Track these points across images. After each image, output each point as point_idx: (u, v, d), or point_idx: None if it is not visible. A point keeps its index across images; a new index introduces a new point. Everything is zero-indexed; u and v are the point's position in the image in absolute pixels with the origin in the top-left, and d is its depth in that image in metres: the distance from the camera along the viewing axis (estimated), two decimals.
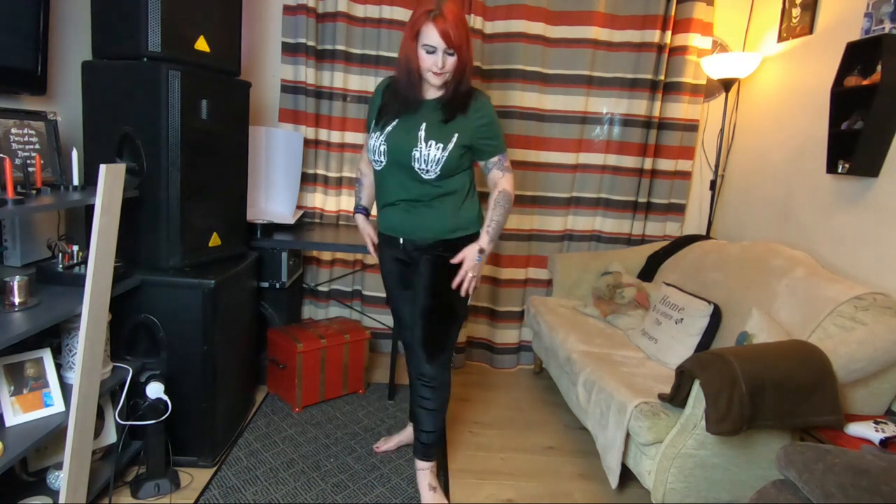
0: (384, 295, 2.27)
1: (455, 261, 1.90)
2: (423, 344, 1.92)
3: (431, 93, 1.85)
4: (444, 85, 1.81)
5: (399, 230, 1.94)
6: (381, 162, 1.86)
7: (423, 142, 1.80)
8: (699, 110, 3.13)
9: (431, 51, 1.73)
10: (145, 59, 1.94)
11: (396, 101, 1.86)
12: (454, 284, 1.89)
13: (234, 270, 2.22)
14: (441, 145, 1.80)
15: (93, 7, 2.05)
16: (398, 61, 1.84)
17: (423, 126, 1.81)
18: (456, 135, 1.80)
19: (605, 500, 2.12)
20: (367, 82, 3.02)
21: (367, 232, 2.11)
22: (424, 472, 2.03)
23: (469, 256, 1.89)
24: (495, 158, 1.91)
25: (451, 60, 1.75)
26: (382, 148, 1.84)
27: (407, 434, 2.34)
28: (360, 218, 2.12)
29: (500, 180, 1.92)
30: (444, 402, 1.99)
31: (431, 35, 1.71)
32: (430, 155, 1.80)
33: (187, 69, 1.98)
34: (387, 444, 2.33)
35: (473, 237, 1.93)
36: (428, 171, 1.82)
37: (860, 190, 2.22)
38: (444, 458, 2.31)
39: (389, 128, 1.84)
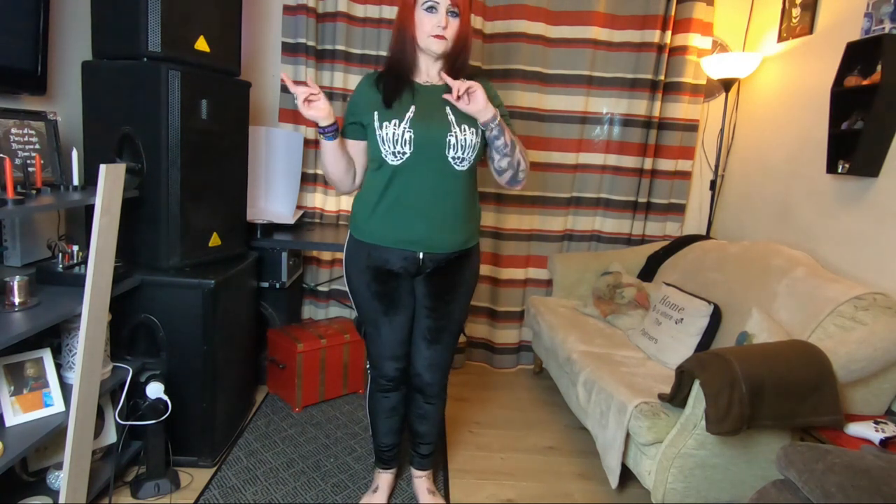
0: None
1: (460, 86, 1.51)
2: (430, 367, 1.83)
3: (435, 80, 1.65)
4: (444, 56, 1.61)
5: (422, 243, 1.65)
6: (404, 154, 1.58)
7: (455, 126, 1.59)
8: (699, 110, 3.12)
9: (433, 9, 1.54)
10: (145, 59, 1.94)
11: (401, 90, 1.61)
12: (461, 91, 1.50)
13: (234, 270, 2.22)
14: (474, 129, 1.60)
15: (93, 7, 2.05)
16: (392, 38, 1.65)
17: (449, 110, 1.60)
18: (478, 120, 1.59)
19: (605, 500, 2.12)
20: None
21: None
22: (422, 478, 2.02)
23: (483, 95, 1.52)
24: None
25: (455, 24, 1.56)
26: (408, 136, 1.56)
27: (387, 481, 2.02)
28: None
29: None
30: (444, 410, 1.98)
31: None
32: (466, 140, 1.58)
33: (187, 69, 1.98)
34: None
35: (476, 249, 1.78)
36: (463, 161, 1.60)
37: (860, 190, 2.22)
38: (444, 458, 2.31)
39: (410, 114, 1.58)
